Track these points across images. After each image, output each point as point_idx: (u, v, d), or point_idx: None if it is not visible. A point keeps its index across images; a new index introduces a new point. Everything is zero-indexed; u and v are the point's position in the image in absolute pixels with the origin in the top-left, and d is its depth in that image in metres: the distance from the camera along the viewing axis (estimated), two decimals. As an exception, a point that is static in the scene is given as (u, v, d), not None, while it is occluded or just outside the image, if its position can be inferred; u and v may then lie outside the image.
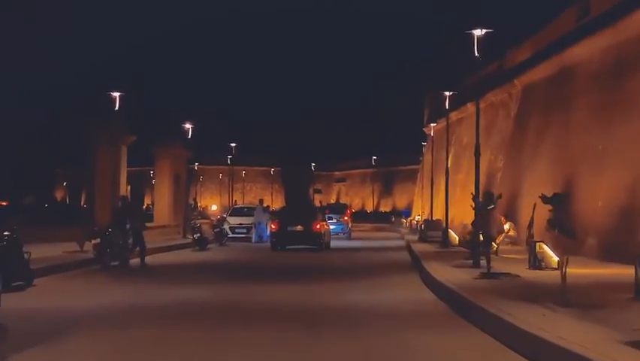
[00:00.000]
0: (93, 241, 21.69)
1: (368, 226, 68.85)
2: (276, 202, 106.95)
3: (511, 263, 19.19)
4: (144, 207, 67.27)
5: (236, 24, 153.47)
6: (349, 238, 43.75)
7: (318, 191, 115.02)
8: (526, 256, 18.79)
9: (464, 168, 44.83)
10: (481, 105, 43.12)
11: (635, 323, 9.44)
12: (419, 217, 57.76)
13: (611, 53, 24.34)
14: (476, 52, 19.11)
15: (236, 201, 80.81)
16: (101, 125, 33.12)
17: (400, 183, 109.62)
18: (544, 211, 26.01)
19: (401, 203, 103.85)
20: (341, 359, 9.23)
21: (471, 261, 18.76)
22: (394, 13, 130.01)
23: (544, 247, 17.98)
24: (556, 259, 17.51)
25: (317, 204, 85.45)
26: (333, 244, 34.61)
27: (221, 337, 10.62)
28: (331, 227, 38.02)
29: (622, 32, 23.57)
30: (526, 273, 16.70)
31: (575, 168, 25.59)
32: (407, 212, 72.33)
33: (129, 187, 43.66)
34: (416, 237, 37.99)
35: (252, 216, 38.74)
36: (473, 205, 17.68)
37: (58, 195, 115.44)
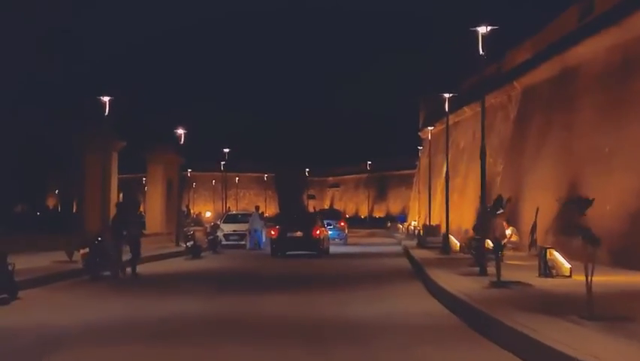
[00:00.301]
0: (82, 251, 20.81)
1: (363, 231, 68.16)
2: (270, 209, 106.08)
3: (518, 270, 18.38)
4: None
5: (228, 27, 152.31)
6: (346, 244, 43.58)
7: (312, 197, 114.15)
8: (531, 263, 18.06)
9: (461, 173, 44.13)
10: (479, 108, 42.62)
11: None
12: (415, 222, 57.06)
13: (617, 51, 23.63)
14: (481, 50, 18.30)
15: (229, 207, 79.90)
16: (90, 130, 32.29)
17: (393, 189, 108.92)
18: (546, 216, 25.42)
19: (395, 208, 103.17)
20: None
21: (477, 268, 17.98)
22: (394, 14, 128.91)
23: (555, 253, 17.17)
24: (567, 266, 16.74)
25: (310, 210, 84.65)
26: (331, 249, 34.37)
27: (218, 355, 9.80)
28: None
29: (629, 30, 22.88)
30: (537, 281, 15.90)
31: (581, 170, 24.85)
32: (403, 217, 71.68)
33: (121, 194, 42.85)
34: (414, 242, 37.43)
35: (246, 223, 38.55)
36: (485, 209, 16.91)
37: (50, 203, 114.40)
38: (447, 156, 33.72)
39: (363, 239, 52.83)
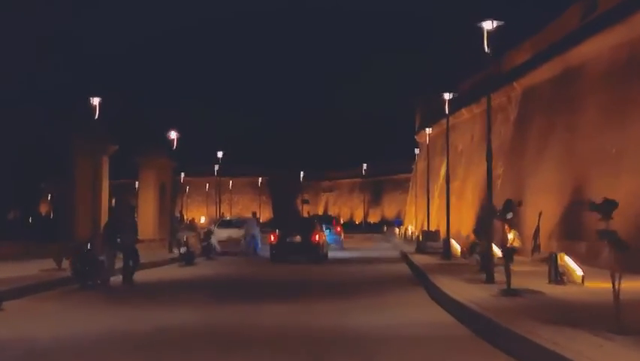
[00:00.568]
0: (71, 258, 19.98)
1: (359, 236, 67.42)
2: (264, 214, 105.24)
3: (525, 277, 17.60)
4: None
5: (228, 28, 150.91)
6: (342, 249, 43.20)
7: (306, 201, 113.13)
8: (536, 268, 17.35)
9: (460, 176, 43.41)
10: (478, 110, 42.03)
11: None
12: (412, 227, 56.31)
13: (623, 50, 23.00)
14: (486, 47, 17.58)
15: (223, 213, 79.02)
16: (80, 133, 31.49)
17: (388, 193, 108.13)
18: (548, 220, 24.70)
19: (390, 213, 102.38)
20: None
21: (483, 275, 17.25)
22: (394, 14, 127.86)
23: (567, 258, 16.41)
24: (579, 273, 16.00)
25: (304, 215, 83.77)
26: (329, 254, 34.01)
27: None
28: (326, 238, 37.31)
29: (634, 28, 22.26)
30: (548, 289, 15.16)
31: (586, 172, 24.18)
32: (399, 221, 70.97)
33: (114, 200, 42.01)
34: (412, 248, 36.71)
35: (240, 228, 38.20)
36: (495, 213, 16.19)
37: (43, 209, 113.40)
38: (447, 158, 33.00)
39: (360, 244, 52.18)
